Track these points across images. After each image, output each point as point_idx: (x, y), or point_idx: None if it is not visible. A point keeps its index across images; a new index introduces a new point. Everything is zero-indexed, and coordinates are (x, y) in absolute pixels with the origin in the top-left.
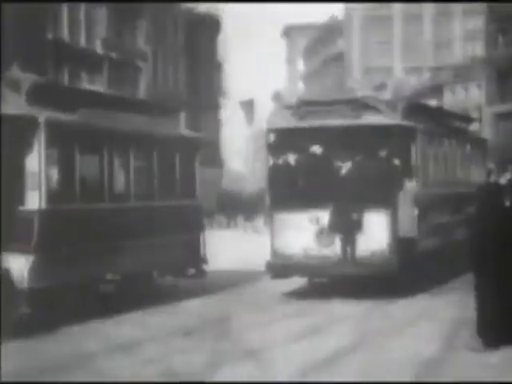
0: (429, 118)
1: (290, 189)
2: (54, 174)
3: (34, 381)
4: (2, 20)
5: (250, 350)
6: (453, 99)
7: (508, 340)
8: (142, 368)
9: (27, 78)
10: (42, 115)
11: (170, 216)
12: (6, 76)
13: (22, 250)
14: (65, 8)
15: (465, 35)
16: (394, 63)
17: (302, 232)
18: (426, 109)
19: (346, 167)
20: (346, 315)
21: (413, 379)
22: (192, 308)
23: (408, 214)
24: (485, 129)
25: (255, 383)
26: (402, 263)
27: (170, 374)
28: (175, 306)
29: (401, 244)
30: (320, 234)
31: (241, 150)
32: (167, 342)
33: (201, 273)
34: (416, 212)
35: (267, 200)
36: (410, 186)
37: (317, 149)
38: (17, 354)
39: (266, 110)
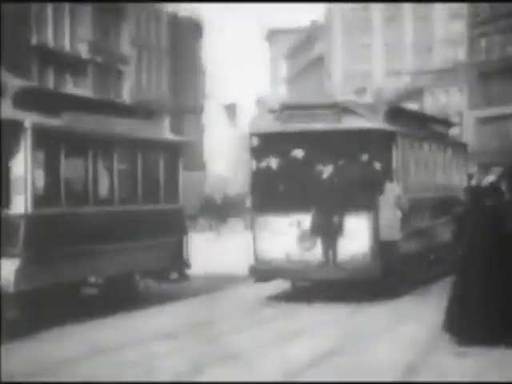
0: (409, 122)
1: (272, 192)
2: (40, 177)
3: (29, 381)
4: None
5: (232, 353)
6: (434, 103)
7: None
8: (123, 371)
9: (13, 82)
10: (28, 119)
11: (153, 219)
12: None
13: (8, 254)
14: (49, 12)
15: (446, 39)
16: (374, 67)
17: (285, 236)
18: (406, 113)
19: (327, 171)
20: (328, 319)
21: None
22: (175, 311)
23: (390, 217)
24: (466, 133)
25: (250, 383)
26: (384, 266)
27: (152, 377)
28: (158, 310)
29: (383, 247)
30: (302, 237)
31: (223, 154)
32: (149, 345)
33: (183, 277)
34: (399, 215)
35: (250, 203)
36: (392, 188)
37: (299, 152)
38: (3, 358)
39: (248, 113)
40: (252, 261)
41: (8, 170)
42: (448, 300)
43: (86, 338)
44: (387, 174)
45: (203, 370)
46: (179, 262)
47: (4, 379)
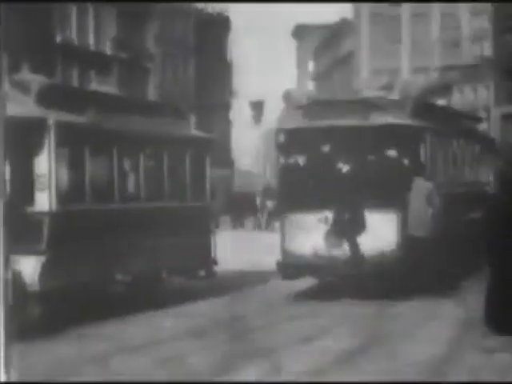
0: (437, 118)
1: (299, 189)
2: (64, 175)
3: (33, 381)
4: (11, 23)
5: (261, 350)
6: (461, 99)
7: None
8: (155, 369)
9: (36, 80)
10: (52, 117)
11: (179, 217)
12: (16, 78)
13: (33, 252)
14: (73, 10)
15: (472, 35)
16: (401, 63)
17: (312, 232)
18: (433, 108)
19: (354, 167)
20: (355, 316)
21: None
22: (203, 309)
23: (421, 213)
24: (493, 129)
25: (255, 383)
26: (413, 263)
27: (183, 374)
28: (186, 307)
29: (414, 244)
30: (329, 233)
31: (251, 150)
32: (180, 343)
33: (211, 274)
34: (430, 212)
35: (277, 200)
36: (423, 185)
37: (326, 148)
38: (29, 356)
39: (276, 110)
40: (279, 257)
41: (32, 167)
42: (486, 294)
43: (114, 336)
44: (415, 169)
45: (233, 368)
46: (206, 259)
47: (28, 378)
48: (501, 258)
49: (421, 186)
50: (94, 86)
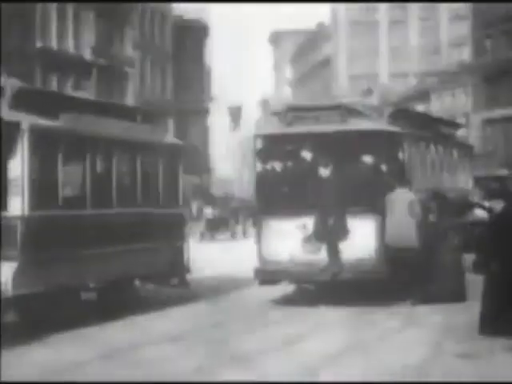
0: (415, 124)
1: (277, 195)
2: (37, 179)
3: (33, 381)
4: None
5: (238, 355)
6: (440, 105)
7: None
8: (131, 373)
9: (10, 83)
10: (26, 121)
11: (152, 224)
12: None
13: (6, 257)
14: (53, 15)
15: (451, 41)
16: (380, 69)
17: (290, 238)
18: (412, 114)
19: (332, 173)
20: (332, 322)
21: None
22: (179, 315)
23: (404, 224)
24: (472, 135)
25: (255, 383)
26: (390, 270)
27: (159, 380)
28: (161, 314)
29: (397, 254)
30: (307, 240)
31: (229, 156)
32: (156, 348)
33: (184, 282)
34: (413, 223)
35: (255, 206)
36: (405, 195)
37: (304, 154)
38: (4, 362)
39: (253, 115)
40: (257, 263)
41: (5, 171)
42: (482, 301)
43: (89, 342)
44: (393, 175)
45: (212, 372)
46: (179, 267)
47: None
48: (501, 263)
49: (403, 197)
50: (73, 91)
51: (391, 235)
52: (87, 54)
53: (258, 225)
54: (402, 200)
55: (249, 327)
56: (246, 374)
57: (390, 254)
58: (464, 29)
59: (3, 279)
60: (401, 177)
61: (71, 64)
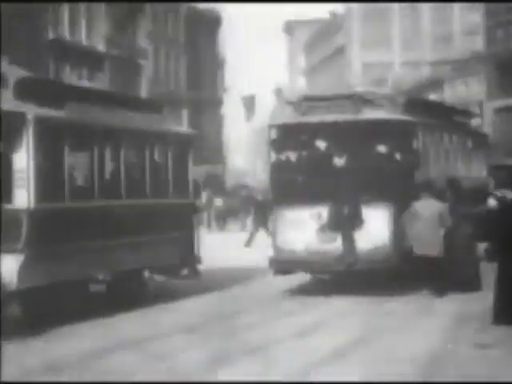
0: (429, 113)
1: (292, 185)
2: (43, 170)
3: (33, 381)
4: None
5: (253, 346)
6: (452, 94)
7: None
8: (146, 366)
9: (15, 73)
10: (31, 111)
11: (162, 214)
12: None
13: (11, 250)
14: (65, 6)
15: (464, 29)
16: (393, 58)
17: (305, 228)
18: (426, 103)
19: (347, 162)
20: (348, 311)
21: (416, 375)
22: (191, 306)
23: (430, 232)
24: (485, 124)
25: (255, 383)
26: (404, 259)
27: (175, 371)
28: (172, 305)
29: (413, 257)
30: (322, 229)
31: (243, 146)
32: (169, 340)
33: (194, 273)
34: (441, 232)
35: (270, 196)
36: (434, 204)
37: (318, 144)
38: (10, 356)
39: (267, 105)
40: (271, 253)
41: (10, 163)
42: (495, 290)
43: (99, 335)
44: (408, 164)
45: (226, 363)
46: (190, 257)
47: (8, 379)
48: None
49: (432, 207)
50: (85, 82)
51: (417, 243)
52: (100, 45)
53: (272, 214)
54: (430, 209)
55: (262, 318)
56: (258, 364)
57: (414, 259)
58: (477, 17)
59: (8, 273)
60: (412, 163)
61: (84, 55)
